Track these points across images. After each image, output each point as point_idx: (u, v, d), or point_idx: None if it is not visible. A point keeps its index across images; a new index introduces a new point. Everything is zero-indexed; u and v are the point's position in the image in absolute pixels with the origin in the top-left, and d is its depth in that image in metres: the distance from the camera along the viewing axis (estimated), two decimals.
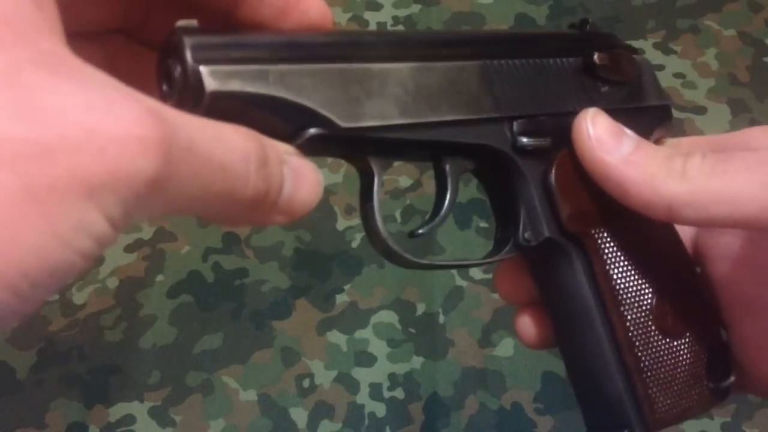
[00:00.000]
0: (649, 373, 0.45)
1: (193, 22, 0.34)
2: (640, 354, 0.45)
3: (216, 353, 0.86)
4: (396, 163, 0.98)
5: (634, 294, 0.46)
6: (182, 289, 0.90)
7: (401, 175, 0.97)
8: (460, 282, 0.90)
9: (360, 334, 0.87)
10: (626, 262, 0.46)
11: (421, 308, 0.88)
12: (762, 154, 0.39)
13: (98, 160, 0.23)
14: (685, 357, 0.47)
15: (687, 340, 0.47)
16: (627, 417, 0.45)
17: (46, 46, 0.24)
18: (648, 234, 0.47)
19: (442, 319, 0.87)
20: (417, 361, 0.85)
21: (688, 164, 0.40)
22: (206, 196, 0.28)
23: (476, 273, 0.89)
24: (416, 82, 0.39)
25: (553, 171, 0.44)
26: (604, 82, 0.47)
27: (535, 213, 0.45)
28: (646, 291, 0.46)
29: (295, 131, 0.36)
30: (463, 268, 0.45)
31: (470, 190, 0.96)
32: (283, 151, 0.34)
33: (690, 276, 0.49)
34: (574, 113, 0.45)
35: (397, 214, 0.94)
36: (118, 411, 0.83)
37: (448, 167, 0.43)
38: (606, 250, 0.45)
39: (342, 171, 0.96)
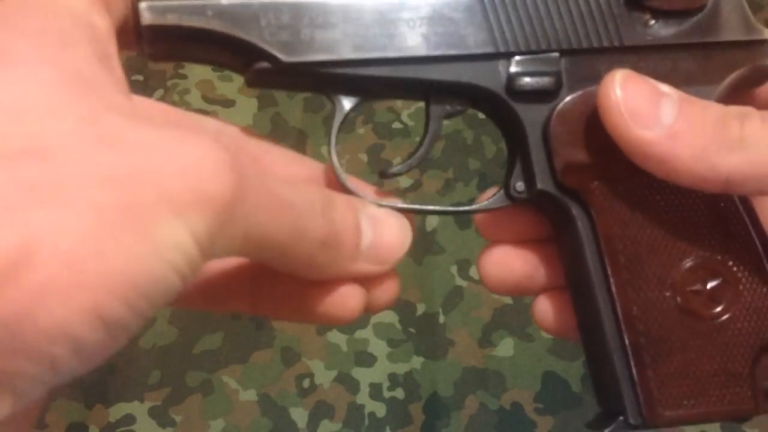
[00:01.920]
0: (654, 357, 0.39)
1: None
2: (645, 334, 0.39)
3: (216, 353, 0.86)
4: (395, 163, 0.98)
5: (648, 263, 0.39)
6: None
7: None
8: (460, 282, 0.90)
9: (360, 334, 0.87)
10: (639, 224, 0.39)
11: (421, 308, 0.88)
12: None
13: (182, 181, 0.26)
14: (717, 345, 0.39)
15: (725, 325, 0.39)
16: (621, 403, 0.39)
17: (119, 100, 0.28)
18: (677, 194, 0.39)
19: (442, 319, 0.87)
20: (417, 361, 0.85)
21: (746, 129, 0.34)
22: (279, 229, 0.30)
23: (476, 273, 0.89)
24: (381, 17, 0.37)
25: (554, 117, 0.39)
26: (653, 13, 0.39)
27: (529, 162, 0.39)
28: (667, 261, 0.39)
29: (244, 66, 0.37)
30: (444, 215, 0.40)
31: (470, 190, 0.96)
32: (356, 201, 0.37)
33: (747, 249, 0.40)
34: (602, 51, 0.39)
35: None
36: (118, 411, 0.83)
37: (431, 108, 0.40)
38: (613, 210, 0.39)
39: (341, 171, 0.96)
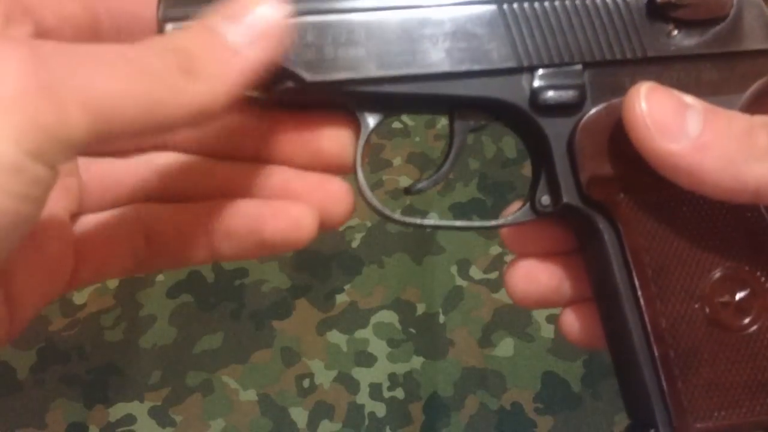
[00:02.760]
0: (683, 369, 0.38)
1: None
2: (674, 346, 0.38)
3: (216, 353, 0.86)
4: (396, 163, 0.98)
5: (675, 275, 0.39)
6: (182, 289, 0.90)
7: (401, 175, 0.97)
8: (460, 282, 0.90)
9: (360, 334, 0.87)
10: (666, 236, 0.39)
11: (421, 308, 0.88)
12: None
13: None
14: (747, 356, 0.39)
15: (755, 335, 0.39)
16: (651, 415, 0.39)
17: None
18: (704, 205, 0.39)
19: (442, 319, 0.87)
20: (417, 361, 0.85)
21: (756, 133, 0.34)
22: (125, 84, 0.28)
23: (476, 273, 0.89)
24: (405, 33, 0.37)
25: (579, 130, 0.39)
26: (676, 24, 0.39)
27: (554, 175, 0.39)
28: (695, 273, 0.39)
29: (268, 86, 0.37)
30: (469, 230, 0.39)
31: (470, 189, 0.96)
32: (209, 20, 0.33)
33: None
34: (625, 63, 0.39)
35: (397, 213, 0.94)
36: (118, 411, 0.83)
37: (455, 123, 0.40)
38: (640, 222, 0.39)
39: None
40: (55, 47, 0.27)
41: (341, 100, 0.39)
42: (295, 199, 0.38)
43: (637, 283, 0.39)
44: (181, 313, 0.89)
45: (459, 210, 0.95)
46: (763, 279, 0.39)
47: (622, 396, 0.42)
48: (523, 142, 0.42)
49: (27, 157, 0.25)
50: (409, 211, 0.95)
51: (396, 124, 1.02)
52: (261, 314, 0.89)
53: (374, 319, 0.88)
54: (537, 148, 0.41)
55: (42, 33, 0.34)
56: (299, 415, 0.82)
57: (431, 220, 0.43)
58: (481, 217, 0.94)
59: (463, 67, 0.38)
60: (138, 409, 0.83)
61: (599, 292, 0.42)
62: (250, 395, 0.84)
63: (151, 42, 0.31)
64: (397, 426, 0.81)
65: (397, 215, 0.41)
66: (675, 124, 0.35)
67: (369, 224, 0.94)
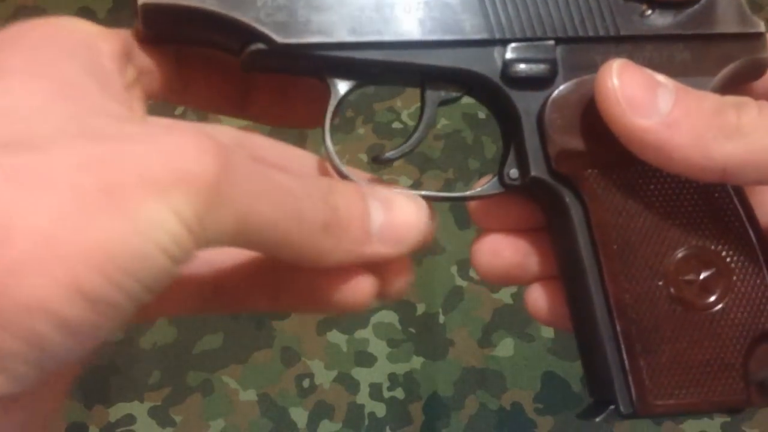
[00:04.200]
0: (645, 346, 0.39)
1: None
2: (636, 323, 0.39)
3: (216, 353, 0.86)
4: (396, 163, 0.98)
5: (641, 252, 0.39)
6: None
7: (401, 175, 0.97)
8: (460, 282, 0.90)
9: (360, 334, 0.87)
10: (633, 213, 0.39)
11: (421, 308, 0.88)
12: None
13: (162, 163, 0.27)
14: (710, 336, 0.39)
15: (718, 315, 0.39)
16: (612, 392, 0.39)
17: (108, 105, 0.31)
18: (672, 183, 0.40)
19: (442, 319, 0.87)
20: (417, 361, 0.85)
21: (743, 118, 0.34)
22: (273, 212, 0.30)
23: (476, 273, 0.89)
24: (377, 1, 0.37)
25: (549, 104, 0.39)
26: (650, 4, 0.39)
27: (523, 149, 0.39)
28: (660, 251, 0.39)
29: (240, 48, 0.37)
30: (436, 200, 0.38)
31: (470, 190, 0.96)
32: (365, 186, 0.37)
33: (741, 240, 0.40)
34: (598, 40, 0.39)
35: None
36: (118, 411, 0.83)
37: (426, 93, 0.40)
38: (606, 197, 0.39)
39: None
40: (244, 163, 0.30)
41: (311, 65, 0.39)
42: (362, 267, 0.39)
43: (601, 258, 0.39)
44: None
45: (459, 209, 0.95)
46: (728, 259, 0.39)
47: (584, 374, 0.42)
48: (493, 115, 0.42)
49: (176, 220, 0.27)
50: None
51: (396, 124, 1.02)
52: (261, 314, 0.89)
53: (374, 319, 0.88)
54: (507, 121, 0.41)
55: (141, 73, 0.36)
56: (299, 415, 0.82)
57: (400, 188, 0.42)
58: None
59: (435, 37, 0.38)
60: (138, 409, 0.83)
61: (564, 268, 0.41)
62: (250, 395, 0.84)
63: (314, 185, 0.34)
64: (397, 426, 0.82)
65: (366, 180, 0.41)
66: (646, 100, 0.35)
67: None
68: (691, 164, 0.35)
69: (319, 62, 0.38)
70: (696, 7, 0.39)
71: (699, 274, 0.39)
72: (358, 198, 0.35)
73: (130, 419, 0.83)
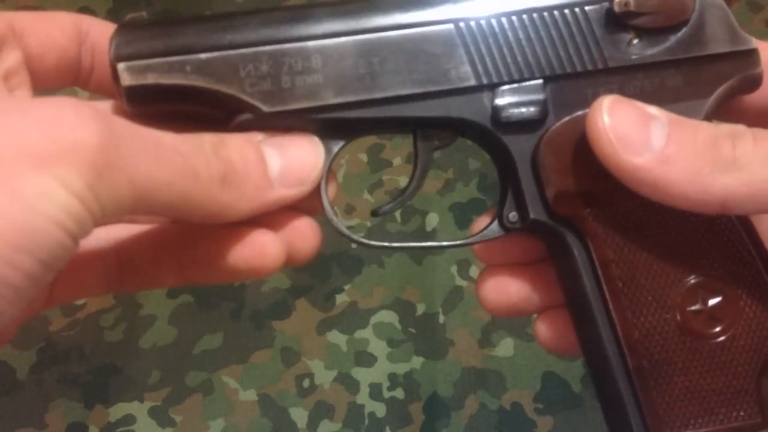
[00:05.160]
0: (658, 380, 0.38)
1: (143, 14, 0.36)
2: (647, 357, 0.38)
3: (216, 353, 0.86)
4: (396, 163, 0.98)
5: (646, 286, 0.39)
6: (182, 289, 0.90)
7: (401, 175, 0.97)
8: (460, 282, 0.90)
9: (360, 334, 0.87)
10: (635, 248, 0.39)
11: (421, 308, 0.88)
12: None
13: (40, 133, 0.26)
14: (721, 364, 0.39)
15: (729, 343, 0.39)
16: (628, 426, 0.38)
17: None
18: (672, 215, 0.39)
19: (442, 319, 0.87)
20: (417, 361, 0.85)
21: (738, 149, 0.34)
22: (167, 173, 0.30)
23: (476, 273, 0.89)
24: (362, 58, 0.37)
25: (542, 146, 0.38)
26: (636, 32, 0.38)
27: (520, 192, 0.39)
28: (666, 283, 0.39)
29: (226, 117, 0.37)
30: (438, 249, 0.38)
31: (470, 190, 0.96)
32: (256, 134, 0.37)
33: (746, 265, 0.39)
34: (586, 75, 0.38)
35: (397, 215, 0.94)
36: (118, 411, 0.83)
37: (419, 143, 0.40)
38: (608, 235, 0.39)
39: (341, 171, 0.96)
40: (127, 127, 0.30)
41: (302, 127, 0.38)
42: (266, 226, 0.38)
43: (607, 295, 0.39)
44: (181, 313, 0.89)
45: (459, 210, 0.95)
46: (734, 286, 0.39)
47: (601, 407, 0.41)
48: (489, 156, 0.42)
49: (66, 192, 0.27)
50: (409, 211, 0.95)
51: None
52: (261, 314, 0.89)
53: (374, 319, 0.88)
54: (502, 164, 0.40)
55: (28, 58, 0.36)
56: (299, 415, 0.82)
57: (398, 243, 0.46)
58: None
59: (423, 89, 0.37)
60: (138, 409, 0.83)
61: (572, 305, 0.41)
62: (250, 395, 0.84)
63: (204, 142, 0.33)
64: (397, 426, 0.82)
65: (362, 238, 0.42)
66: (639, 138, 0.34)
67: (369, 224, 0.94)
68: (690, 199, 0.34)
69: (309, 124, 0.38)
70: (684, 30, 0.39)
71: (706, 304, 0.39)
72: (251, 146, 0.36)
73: (130, 419, 0.82)
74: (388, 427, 0.81)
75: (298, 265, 0.39)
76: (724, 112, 0.39)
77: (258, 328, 0.88)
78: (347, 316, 0.88)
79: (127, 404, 0.83)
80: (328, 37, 0.37)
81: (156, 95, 0.36)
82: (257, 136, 0.37)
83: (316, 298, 0.89)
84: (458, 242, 0.42)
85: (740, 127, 0.35)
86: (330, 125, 0.38)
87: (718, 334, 0.39)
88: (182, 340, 0.87)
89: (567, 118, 0.38)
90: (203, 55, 0.35)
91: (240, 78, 0.36)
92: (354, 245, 0.92)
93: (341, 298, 0.89)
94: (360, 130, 0.39)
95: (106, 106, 0.38)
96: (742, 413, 0.39)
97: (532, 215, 0.39)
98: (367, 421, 0.82)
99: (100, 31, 0.38)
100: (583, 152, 0.37)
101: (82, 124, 0.27)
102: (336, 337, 0.87)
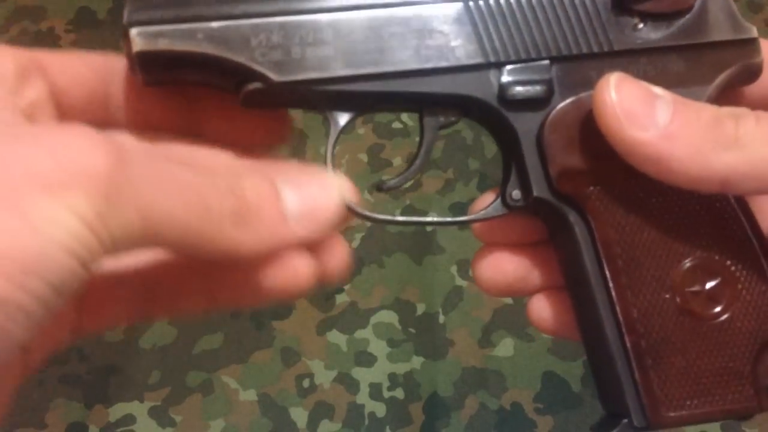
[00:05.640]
0: (656, 359, 0.39)
1: None
2: (646, 336, 0.39)
3: (216, 353, 0.86)
4: (396, 163, 0.98)
5: (646, 266, 0.39)
6: None
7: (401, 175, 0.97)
8: (460, 282, 0.90)
9: (360, 334, 0.87)
10: (636, 228, 0.39)
11: (421, 308, 0.88)
12: None
13: (51, 160, 0.26)
14: (718, 345, 0.39)
15: (726, 324, 0.39)
16: (624, 405, 0.39)
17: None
18: (673, 196, 0.40)
19: (442, 319, 0.87)
20: (417, 361, 0.85)
21: (741, 128, 0.34)
22: (177, 206, 0.30)
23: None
24: (372, 32, 0.37)
25: (547, 124, 0.39)
26: (641, 17, 0.39)
27: (524, 170, 0.40)
28: (666, 263, 0.39)
29: (235, 87, 0.37)
30: (442, 225, 0.39)
31: (470, 190, 0.96)
32: (273, 169, 0.36)
33: (745, 249, 0.40)
34: (592, 57, 0.39)
35: (397, 214, 0.94)
36: (118, 411, 0.83)
37: (425, 120, 0.40)
38: (610, 215, 0.39)
39: (341, 171, 0.96)
40: (140, 156, 0.29)
41: (309, 100, 0.39)
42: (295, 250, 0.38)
43: (608, 274, 0.39)
44: None
45: (459, 210, 0.95)
46: (733, 268, 0.40)
47: (597, 388, 0.42)
48: (492, 136, 0.42)
49: (77, 220, 0.27)
50: (408, 210, 0.95)
51: (396, 124, 1.02)
52: (261, 314, 0.89)
53: (374, 319, 0.88)
54: (507, 142, 0.41)
55: (54, 93, 0.35)
56: (299, 415, 0.82)
57: (401, 218, 0.45)
58: None
59: (431, 65, 0.38)
60: (138, 409, 0.83)
61: (571, 284, 0.42)
62: (250, 395, 0.84)
63: (219, 176, 0.33)
64: (397, 426, 0.82)
65: (371, 213, 0.41)
66: (644, 113, 0.35)
67: (369, 224, 0.94)
68: (691, 176, 0.35)
69: (317, 97, 0.38)
70: (687, 17, 0.40)
71: (705, 285, 0.40)
72: (266, 182, 0.35)
73: (130, 419, 0.83)
74: (388, 427, 0.81)
75: (328, 284, 0.38)
76: (724, 102, 0.39)
77: (258, 328, 0.88)
78: (347, 316, 0.88)
79: (127, 404, 0.83)
80: (341, 11, 0.37)
81: (167, 62, 0.36)
82: (273, 173, 0.36)
83: (316, 298, 0.89)
84: (461, 219, 0.43)
85: (743, 109, 0.35)
86: (337, 98, 0.38)
87: (716, 316, 0.39)
88: (182, 340, 0.87)
89: (572, 98, 0.39)
90: (215, 24, 0.36)
91: (251, 47, 0.36)
92: (354, 245, 0.92)
93: (341, 298, 0.89)
94: (367, 105, 0.40)
95: (123, 137, 0.37)
96: (737, 395, 0.39)
97: (535, 193, 0.39)
98: (367, 421, 0.82)
99: None
100: (587, 131, 0.38)
101: (93, 151, 0.27)
102: (336, 337, 0.87)
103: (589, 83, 0.38)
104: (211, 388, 0.84)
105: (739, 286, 0.40)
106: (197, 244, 0.32)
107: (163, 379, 0.85)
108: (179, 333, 0.87)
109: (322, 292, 0.90)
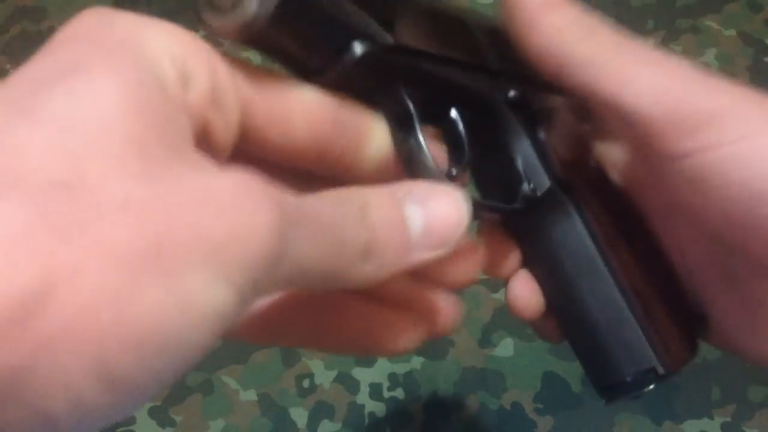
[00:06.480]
0: (654, 315, 0.44)
1: None
2: (643, 296, 0.44)
3: (216, 353, 0.86)
4: None
5: (622, 241, 0.44)
6: None
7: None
8: None
9: None
10: (609, 210, 0.44)
11: None
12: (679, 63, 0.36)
13: (216, 217, 0.22)
14: (669, 300, 0.45)
15: (666, 284, 0.45)
16: (649, 357, 0.43)
17: (180, 140, 0.25)
18: (614, 185, 0.46)
19: None
20: (417, 361, 0.85)
21: (598, 27, 0.37)
22: (322, 254, 0.27)
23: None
24: (445, 22, 0.39)
25: (540, 120, 0.43)
26: None
27: (532, 163, 0.43)
28: (628, 237, 0.45)
29: (336, 53, 0.33)
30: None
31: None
32: (397, 187, 0.33)
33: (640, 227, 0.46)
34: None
35: None
36: None
37: (454, 113, 0.41)
38: (592, 198, 0.44)
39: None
40: (294, 209, 0.26)
41: (397, 78, 0.38)
42: (408, 307, 0.37)
43: (606, 249, 0.43)
44: None
45: None
46: (641, 232, 0.46)
47: (593, 367, 0.46)
48: (494, 138, 0.44)
49: (227, 293, 0.23)
50: None
51: None
52: None
53: None
54: (512, 140, 0.43)
55: (267, 151, 0.32)
56: (299, 415, 0.82)
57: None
58: None
59: (475, 61, 0.41)
60: (138, 408, 0.83)
61: (570, 267, 0.45)
62: (250, 395, 0.84)
63: (353, 204, 0.30)
64: (397, 426, 0.82)
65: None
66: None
67: None
68: (541, 50, 0.37)
69: (409, 74, 0.38)
70: None
71: (644, 255, 0.46)
72: (395, 208, 0.32)
73: (129, 419, 0.82)
74: (388, 427, 0.81)
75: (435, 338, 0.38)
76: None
77: None
78: None
79: None
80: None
81: (288, 13, 0.30)
82: (400, 191, 0.33)
83: None
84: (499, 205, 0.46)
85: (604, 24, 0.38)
86: (415, 82, 0.39)
87: (660, 279, 0.46)
88: None
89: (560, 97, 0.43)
90: None
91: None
92: None
93: None
94: (419, 97, 0.40)
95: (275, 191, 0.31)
96: (690, 341, 0.46)
97: (548, 183, 0.43)
98: (367, 421, 0.82)
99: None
100: (568, 124, 0.44)
101: (263, 214, 0.24)
102: None
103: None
104: (211, 388, 0.84)
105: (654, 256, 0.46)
106: (324, 281, 0.29)
107: None
108: None
109: None
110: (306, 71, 0.34)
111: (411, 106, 0.37)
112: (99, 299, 0.20)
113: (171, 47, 0.26)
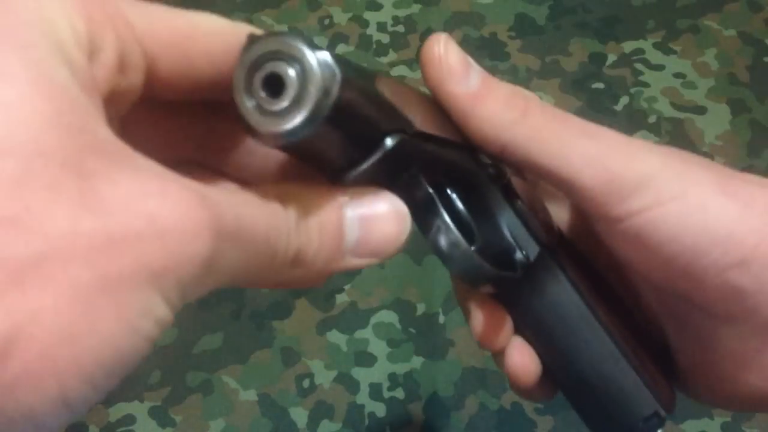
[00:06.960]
0: (644, 362, 0.45)
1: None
2: (631, 345, 0.44)
3: (216, 353, 0.86)
4: None
5: (600, 295, 0.45)
6: None
7: None
8: None
9: (360, 334, 0.87)
10: (581, 267, 0.46)
11: (421, 308, 0.88)
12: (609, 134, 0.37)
13: (160, 247, 0.23)
14: (647, 347, 0.46)
15: (648, 335, 0.46)
16: (651, 403, 0.44)
17: (103, 134, 0.24)
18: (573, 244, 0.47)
19: (442, 319, 0.87)
20: (417, 361, 0.85)
21: (530, 107, 0.38)
22: (249, 263, 0.28)
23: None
24: (427, 102, 0.39)
25: (513, 189, 0.44)
26: None
27: (520, 231, 0.44)
28: (600, 292, 0.46)
29: (366, 149, 0.32)
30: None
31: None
32: (340, 194, 0.33)
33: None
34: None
35: None
36: (118, 411, 0.83)
37: (448, 191, 0.41)
38: (568, 258, 0.45)
39: None
40: (232, 223, 0.26)
41: (414, 164, 0.38)
42: None
43: (593, 304, 0.44)
44: (181, 313, 0.88)
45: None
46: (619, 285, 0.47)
47: (599, 427, 0.46)
48: (481, 211, 0.44)
49: (165, 305, 0.25)
50: None
51: None
52: (261, 314, 0.89)
53: (374, 319, 0.88)
54: (498, 211, 0.44)
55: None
56: (299, 415, 0.82)
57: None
58: None
59: (460, 141, 0.40)
60: (138, 409, 0.83)
61: (565, 328, 0.45)
62: (250, 395, 0.84)
63: (290, 213, 0.30)
64: (397, 426, 0.82)
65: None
66: (461, 72, 0.37)
67: None
68: (482, 135, 0.38)
69: (423, 159, 0.38)
70: None
71: (625, 308, 0.47)
72: (334, 213, 0.32)
73: (129, 419, 0.83)
74: (388, 427, 0.81)
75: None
76: None
77: (258, 328, 0.88)
78: (347, 316, 0.88)
79: (127, 404, 0.83)
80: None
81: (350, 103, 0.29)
82: (344, 195, 0.33)
83: (316, 298, 0.89)
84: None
85: (533, 95, 0.40)
86: (427, 166, 0.39)
87: (641, 330, 0.47)
88: (182, 340, 0.87)
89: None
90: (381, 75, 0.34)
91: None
92: None
93: (341, 298, 0.89)
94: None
95: (218, 192, 0.29)
96: (670, 388, 0.47)
97: (537, 248, 0.44)
98: (367, 421, 0.82)
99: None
100: (535, 187, 0.46)
101: (199, 231, 0.24)
102: (336, 337, 0.87)
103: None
104: (211, 388, 0.84)
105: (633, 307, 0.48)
106: (247, 282, 0.30)
107: (163, 379, 0.85)
108: (179, 333, 0.87)
109: (322, 292, 0.90)
110: (333, 169, 0.33)
111: (431, 189, 0.38)
112: (57, 339, 0.22)
113: (75, 23, 0.24)
